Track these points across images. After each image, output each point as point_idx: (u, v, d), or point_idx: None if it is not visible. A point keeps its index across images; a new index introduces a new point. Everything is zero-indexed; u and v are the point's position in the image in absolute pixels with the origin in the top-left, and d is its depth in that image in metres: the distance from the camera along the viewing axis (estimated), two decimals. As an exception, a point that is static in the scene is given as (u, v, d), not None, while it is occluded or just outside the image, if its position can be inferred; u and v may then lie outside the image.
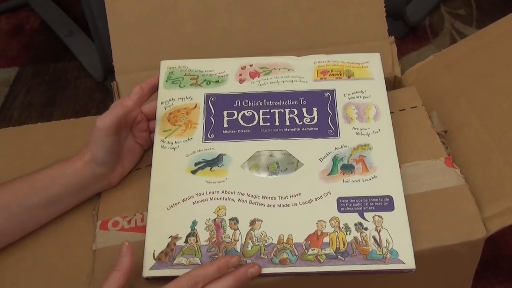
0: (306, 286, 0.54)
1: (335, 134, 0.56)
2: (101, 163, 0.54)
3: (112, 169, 0.56)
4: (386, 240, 0.50)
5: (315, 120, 0.57)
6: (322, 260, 0.49)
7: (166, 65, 0.62)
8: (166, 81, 0.61)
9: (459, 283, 0.61)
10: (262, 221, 0.51)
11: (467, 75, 0.64)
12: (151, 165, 0.58)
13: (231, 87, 0.60)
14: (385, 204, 0.51)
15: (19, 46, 1.35)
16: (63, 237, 0.56)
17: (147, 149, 0.60)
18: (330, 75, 0.60)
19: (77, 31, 1.32)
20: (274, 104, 0.58)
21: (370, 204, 0.51)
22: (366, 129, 0.56)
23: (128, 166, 0.58)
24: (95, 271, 0.52)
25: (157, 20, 0.68)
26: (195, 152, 0.56)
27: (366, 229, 0.50)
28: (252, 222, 0.51)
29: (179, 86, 0.60)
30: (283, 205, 0.52)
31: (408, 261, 0.49)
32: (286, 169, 0.54)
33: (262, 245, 0.50)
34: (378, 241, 0.50)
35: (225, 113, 0.58)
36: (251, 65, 0.61)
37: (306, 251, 0.49)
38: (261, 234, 0.51)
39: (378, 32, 0.68)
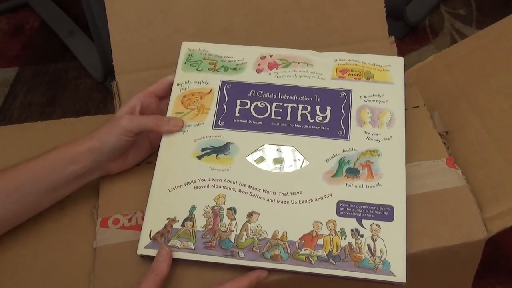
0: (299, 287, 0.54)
1: (345, 136, 0.55)
2: (107, 152, 0.54)
3: (114, 160, 0.56)
4: (381, 250, 0.49)
5: (327, 120, 0.56)
6: (313, 262, 0.49)
7: (186, 47, 0.62)
8: (185, 63, 0.61)
9: (460, 284, 0.61)
10: (259, 214, 0.51)
11: (467, 75, 0.64)
12: (151, 162, 0.59)
13: (248, 76, 0.60)
14: (385, 213, 0.51)
15: (19, 46, 1.35)
16: (63, 234, 0.56)
17: (156, 150, 0.58)
18: (349, 74, 0.59)
19: (77, 31, 1.32)
20: (288, 98, 0.58)
21: (370, 211, 0.51)
22: (377, 134, 0.55)
23: (131, 161, 0.58)
24: (96, 269, 0.52)
25: (157, 20, 0.67)
26: (203, 137, 0.56)
27: (362, 236, 0.50)
28: (250, 215, 0.51)
29: (197, 69, 0.60)
30: (282, 201, 0.52)
31: (399, 274, 0.48)
32: (291, 165, 0.54)
33: (256, 239, 0.50)
34: (372, 249, 0.49)
35: (238, 101, 0.58)
36: (271, 56, 0.61)
37: (299, 250, 0.49)
38: (256, 228, 0.51)
39: (378, 32, 0.68)
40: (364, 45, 0.67)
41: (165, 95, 0.60)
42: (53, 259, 0.54)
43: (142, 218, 0.54)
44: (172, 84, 0.60)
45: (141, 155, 0.59)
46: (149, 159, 0.59)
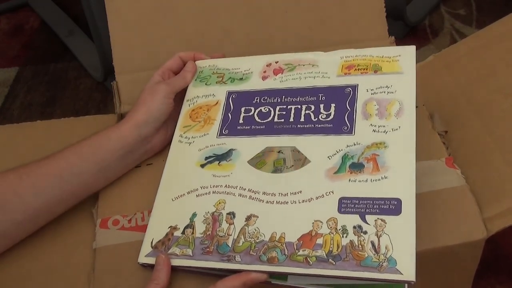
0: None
1: (350, 131, 0.53)
2: (152, 121, 0.57)
3: (157, 130, 0.58)
4: (386, 247, 0.45)
5: (331, 117, 0.54)
6: (311, 262, 0.46)
7: (198, 65, 0.64)
8: (195, 79, 0.63)
9: (460, 284, 0.61)
10: (258, 217, 0.50)
11: (467, 75, 0.64)
12: (151, 163, 0.59)
13: (254, 84, 0.60)
14: (392, 207, 0.47)
15: (19, 46, 1.35)
16: (62, 235, 0.56)
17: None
18: (355, 70, 0.57)
19: (77, 31, 1.32)
20: (292, 100, 0.57)
21: (375, 206, 0.48)
22: (384, 126, 0.52)
23: (170, 133, 0.60)
24: (95, 270, 0.52)
25: (157, 20, 0.68)
26: (207, 146, 0.57)
27: (365, 233, 0.47)
28: (248, 218, 0.50)
29: (206, 84, 0.62)
30: (281, 202, 0.50)
31: (406, 272, 0.44)
32: (292, 166, 0.52)
33: (253, 242, 0.49)
34: (376, 246, 0.46)
35: (242, 109, 0.58)
36: (276, 62, 0.61)
37: (297, 251, 0.47)
38: (254, 230, 0.49)
39: (378, 32, 0.68)
40: (364, 45, 0.67)
41: (179, 70, 0.63)
42: (52, 260, 0.54)
43: (142, 219, 0.54)
44: (185, 59, 0.63)
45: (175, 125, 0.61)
46: (149, 161, 0.60)
